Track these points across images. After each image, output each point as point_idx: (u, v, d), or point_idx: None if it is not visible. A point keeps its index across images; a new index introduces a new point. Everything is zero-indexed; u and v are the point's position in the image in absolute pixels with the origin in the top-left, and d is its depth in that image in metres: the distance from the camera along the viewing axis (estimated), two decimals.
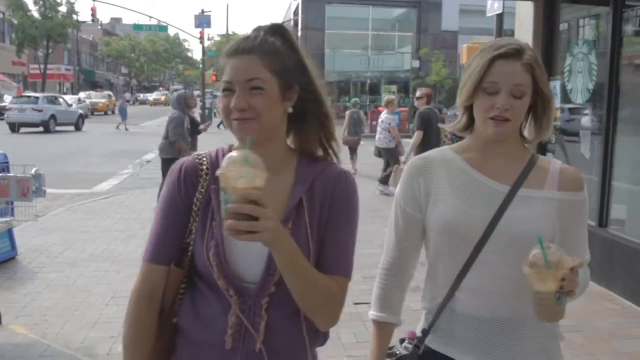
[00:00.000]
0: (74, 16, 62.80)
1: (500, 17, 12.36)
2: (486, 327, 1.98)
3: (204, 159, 1.88)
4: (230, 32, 65.10)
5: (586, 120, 7.54)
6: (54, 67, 66.48)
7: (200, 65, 41.94)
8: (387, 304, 2.15)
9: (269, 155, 1.74)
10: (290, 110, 1.82)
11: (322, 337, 1.92)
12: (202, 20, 41.18)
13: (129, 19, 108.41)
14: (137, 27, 52.32)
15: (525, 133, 2.06)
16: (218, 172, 1.56)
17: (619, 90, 6.67)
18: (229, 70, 1.76)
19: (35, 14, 61.55)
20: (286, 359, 1.83)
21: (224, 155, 1.86)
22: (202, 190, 1.83)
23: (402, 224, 2.11)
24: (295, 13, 47.43)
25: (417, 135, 10.33)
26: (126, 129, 33.69)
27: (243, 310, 1.77)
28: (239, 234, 1.52)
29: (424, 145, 9.82)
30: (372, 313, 2.17)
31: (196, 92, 48.20)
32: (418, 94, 11.33)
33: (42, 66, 62.34)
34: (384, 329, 2.15)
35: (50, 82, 64.87)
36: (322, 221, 1.83)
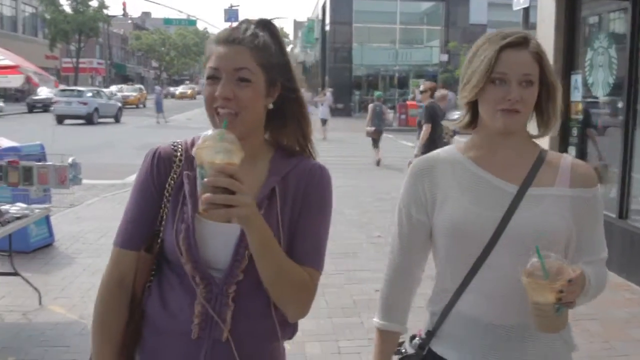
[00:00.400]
0: (105, 11, 63.64)
1: (526, 10, 12.41)
2: (494, 333, 1.90)
3: (179, 146, 1.88)
4: None
5: (607, 113, 7.64)
6: (86, 61, 67.46)
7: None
8: (392, 312, 2.09)
9: (246, 148, 1.70)
10: (271, 106, 1.82)
11: (290, 330, 1.90)
12: (231, 14, 41.65)
13: (158, 13, 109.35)
14: (167, 21, 53.12)
15: (528, 127, 1.99)
16: (194, 150, 1.56)
17: (638, 83, 6.78)
18: (216, 57, 1.75)
19: (67, 9, 62.52)
20: (253, 349, 1.81)
21: None
22: (175, 176, 1.83)
23: (407, 228, 2.04)
24: (324, 7, 47.55)
25: (427, 129, 10.47)
26: (166, 122, 33.94)
27: (209, 299, 1.75)
28: (215, 207, 1.51)
29: (430, 138, 10.13)
30: (376, 321, 2.11)
31: None
32: (422, 87, 11.44)
33: (74, 60, 63.28)
34: (387, 337, 2.09)
35: (83, 75, 65.88)
36: (295, 213, 1.82)
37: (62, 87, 35.91)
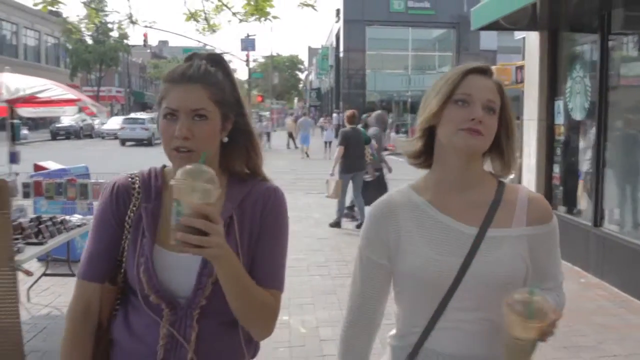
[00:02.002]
0: (125, 41, 65.31)
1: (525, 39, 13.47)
2: None
3: (136, 178, 1.92)
4: (274, 54, 66.83)
5: (584, 133, 8.61)
6: (106, 89, 69.09)
7: (246, 86, 43.69)
8: (353, 357, 2.04)
9: None
10: (225, 139, 1.88)
11: (254, 348, 1.97)
12: (248, 44, 42.74)
13: (176, 41, 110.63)
14: (186, 50, 54.31)
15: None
16: (172, 182, 1.58)
17: (608, 106, 7.76)
18: (174, 97, 1.78)
19: (88, 40, 64.25)
20: None
21: (156, 175, 1.93)
22: (134, 208, 1.86)
23: (368, 272, 1.98)
24: (337, 35, 48.68)
25: (339, 150, 11.45)
26: None
27: (174, 321, 1.79)
28: (187, 246, 1.55)
29: (345, 159, 11.26)
30: None
31: None
32: (346, 115, 12.48)
33: (95, 89, 64.88)
34: None
35: (102, 103, 67.37)
36: (253, 237, 1.87)
37: (125, 116, 42.85)
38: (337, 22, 47.69)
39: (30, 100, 6.45)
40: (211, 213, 1.56)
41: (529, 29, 9.38)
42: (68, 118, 39.30)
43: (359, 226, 10.92)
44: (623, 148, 7.90)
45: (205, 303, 1.80)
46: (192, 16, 6.49)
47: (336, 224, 11.36)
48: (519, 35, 13.77)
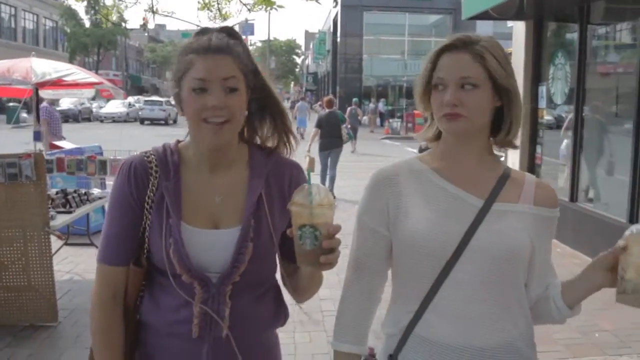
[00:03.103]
0: (123, 24, 65.51)
1: None
2: (459, 356, 1.75)
3: (152, 156, 1.85)
4: (272, 38, 67.16)
5: (563, 117, 9.25)
6: (103, 73, 69.04)
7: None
8: (351, 333, 1.92)
9: (226, 155, 1.85)
10: (246, 112, 1.83)
11: (283, 319, 1.97)
12: (246, 28, 43.08)
13: (172, 25, 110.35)
14: (185, 34, 54.72)
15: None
16: (298, 209, 1.62)
17: (585, 92, 8.40)
18: (203, 67, 1.72)
19: (87, 23, 64.56)
20: (252, 342, 1.86)
21: (172, 152, 1.87)
22: (154, 188, 1.81)
23: (367, 242, 1.90)
24: (335, 20, 49.06)
25: (314, 132, 13.08)
26: None
27: (206, 299, 1.77)
28: (327, 267, 1.63)
29: (321, 138, 12.83)
30: (333, 342, 1.95)
31: None
32: (321, 101, 14.89)
33: (92, 72, 65.02)
34: (345, 359, 1.92)
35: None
36: (281, 213, 1.84)
37: (146, 98, 47.48)
38: (334, 7, 47.99)
39: (57, 83, 7.06)
40: (337, 231, 1.63)
41: (516, 18, 9.98)
42: (67, 101, 39.71)
43: None
44: (597, 131, 8.55)
45: (238, 279, 1.78)
46: (206, 6, 7.09)
47: None
48: (511, 23, 14.29)
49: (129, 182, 1.82)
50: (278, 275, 1.97)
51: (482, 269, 1.75)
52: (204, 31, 1.86)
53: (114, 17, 8.21)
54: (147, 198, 1.81)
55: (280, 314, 1.95)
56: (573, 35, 8.80)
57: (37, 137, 7.84)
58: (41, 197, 5.40)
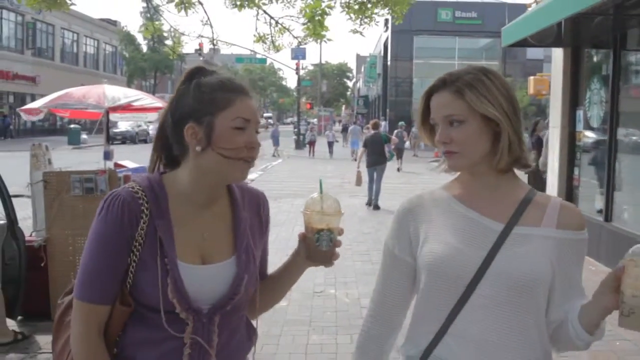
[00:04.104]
0: (180, 49, 67.20)
1: None
2: None
3: (140, 191, 1.80)
4: (323, 62, 68.22)
5: (600, 139, 9.62)
6: (159, 96, 70.54)
7: (294, 94, 44.87)
8: (370, 354, 2.00)
9: (220, 190, 1.94)
10: None
11: (254, 339, 2.05)
12: (298, 53, 43.77)
13: (226, 49, 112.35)
14: (239, 59, 55.96)
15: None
16: (311, 214, 1.88)
17: (619, 116, 8.81)
18: (246, 108, 1.80)
19: (144, 48, 66.62)
20: None
21: (159, 186, 1.84)
22: (144, 225, 1.76)
23: (391, 268, 1.97)
24: (385, 44, 49.69)
25: (360, 151, 15.81)
26: (278, 155, 35.18)
27: (197, 328, 1.78)
28: (331, 262, 1.93)
29: (367, 156, 14.75)
30: None
31: (289, 120, 49.50)
32: (369, 124, 16.36)
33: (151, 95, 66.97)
34: None
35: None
36: (256, 235, 1.98)
37: None
38: (385, 31, 48.69)
39: (127, 107, 7.80)
40: (342, 233, 1.93)
41: (554, 45, 10.42)
42: (125, 124, 41.16)
43: (368, 203, 14.58)
44: (631, 153, 8.93)
45: (229, 308, 1.83)
46: (261, 39, 7.77)
47: (369, 203, 14.59)
48: (530, 56, 14.69)
49: (121, 219, 1.75)
50: None
51: (501, 293, 1.76)
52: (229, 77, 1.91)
53: (180, 50, 8.93)
54: (137, 236, 1.76)
55: (252, 337, 2.04)
56: (607, 62, 9.19)
57: (107, 156, 8.57)
58: None
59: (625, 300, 1.60)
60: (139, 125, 45.19)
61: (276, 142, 36.40)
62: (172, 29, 8.19)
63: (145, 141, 46.31)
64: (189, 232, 1.83)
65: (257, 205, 2.02)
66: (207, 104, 1.79)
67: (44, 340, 5.74)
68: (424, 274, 1.87)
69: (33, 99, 47.98)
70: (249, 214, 1.96)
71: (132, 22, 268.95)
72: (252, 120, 1.81)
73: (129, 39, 63.90)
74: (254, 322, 2.06)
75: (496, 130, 1.81)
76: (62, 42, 53.47)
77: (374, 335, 2.00)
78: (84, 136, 41.17)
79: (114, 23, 62.62)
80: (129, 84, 61.34)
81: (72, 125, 41.32)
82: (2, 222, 6.07)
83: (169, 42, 10.95)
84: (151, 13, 10.25)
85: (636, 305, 1.58)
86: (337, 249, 1.93)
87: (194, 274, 1.79)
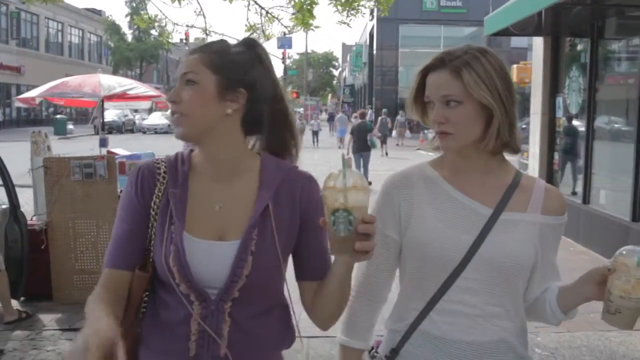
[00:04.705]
0: (160, 38, 66.96)
1: None
2: (462, 350, 1.84)
3: (162, 163, 1.81)
4: (309, 51, 68.29)
5: (578, 125, 9.98)
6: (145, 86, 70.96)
7: (280, 83, 44.87)
8: (356, 328, 2.00)
9: (229, 161, 1.78)
10: (229, 111, 1.74)
11: (289, 339, 1.89)
12: (284, 42, 43.82)
13: (211, 38, 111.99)
14: None
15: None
16: (329, 193, 1.51)
17: (596, 103, 9.17)
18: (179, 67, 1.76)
19: (129, 38, 66.47)
20: None
21: (183, 160, 1.83)
22: (159, 194, 1.77)
23: (378, 245, 1.75)
24: (371, 33, 49.82)
25: (347, 138, 17.23)
26: None
27: (205, 315, 1.71)
28: (362, 255, 1.52)
29: (354, 143, 16.25)
30: (340, 337, 2.03)
31: None
32: (356, 113, 18.03)
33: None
34: (351, 354, 2.01)
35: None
36: (292, 228, 1.79)
37: None
38: (371, 20, 48.81)
39: (122, 96, 8.05)
40: (373, 220, 1.52)
41: (534, 34, 10.73)
42: (111, 113, 41.16)
43: None
44: (608, 138, 9.31)
45: (238, 295, 1.71)
46: (252, 28, 8.04)
47: None
48: (514, 44, 15.05)
49: (135, 187, 1.79)
50: (287, 293, 1.88)
51: (487, 276, 1.81)
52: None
53: (172, 38, 9.14)
54: (152, 204, 1.77)
55: (287, 336, 1.88)
56: (585, 50, 9.53)
57: (103, 143, 8.82)
58: (112, 192, 6.34)
59: (613, 300, 1.67)
60: (126, 115, 45.21)
61: None
62: (165, 19, 8.40)
63: (132, 131, 46.35)
64: (205, 205, 1.78)
65: (295, 190, 1.82)
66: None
67: (47, 319, 6.03)
68: (411, 255, 1.90)
69: (18, 89, 47.93)
70: (284, 198, 1.80)
71: (117, 12, 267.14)
72: (177, 77, 1.76)
73: (114, 28, 63.76)
74: (293, 322, 1.90)
75: (490, 113, 1.80)
76: (46, 32, 53.23)
77: (361, 311, 2.00)
78: (70, 126, 41.18)
79: (98, 13, 62.37)
80: (114, 74, 61.07)
81: (58, 116, 41.32)
82: (4, 206, 6.33)
83: (154, 32, 11.14)
84: (136, 2, 10.38)
85: (622, 305, 1.65)
86: (374, 241, 1.54)
87: (198, 247, 1.71)
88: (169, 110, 1.74)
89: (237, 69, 1.76)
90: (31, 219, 6.70)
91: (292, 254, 1.83)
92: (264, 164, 1.83)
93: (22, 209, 6.50)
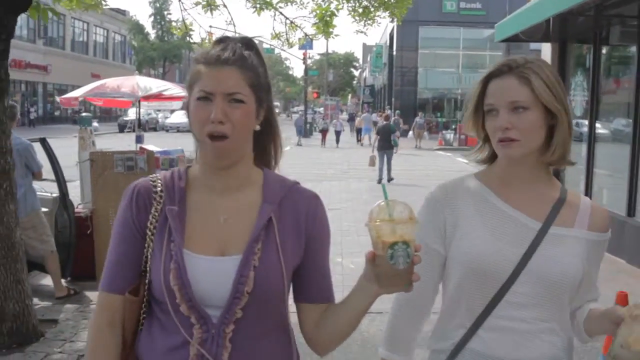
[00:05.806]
0: (188, 38, 67.77)
1: None
2: None
3: (158, 180, 1.75)
4: (330, 52, 68.77)
5: (583, 127, 10.56)
6: None
7: (301, 83, 45.57)
8: (398, 343, 2.00)
9: (238, 174, 1.73)
10: (257, 127, 1.74)
11: (296, 356, 1.84)
12: (305, 43, 44.20)
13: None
14: None
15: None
16: (399, 229, 1.49)
17: (599, 105, 9.77)
18: (209, 80, 1.63)
19: (153, 37, 67.46)
20: None
21: (180, 176, 1.77)
22: (156, 213, 1.70)
23: (422, 257, 1.65)
24: (391, 34, 50.17)
25: (374, 138, 18.88)
26: (300, 144, 35.07)
27: (204, 340, 1.64)
28: (412, 287, 1.52)
29: (379, 142, 18.03)
30: (382, 351, 2.02)
31: (295, 108, 50.01)
32: (381, 115, 19.44)
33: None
34: None
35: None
36: (297, 244, 1.74)
37: None
38: (391, 21, 49.09)
39: (158, 96, 8.76)
40: (420, 248, 1.52)
41: (542, 40, 11.33)
42: (133, 111, 41.83)
43: (379, 181, 16.92)
44: (609, 139, 9.90)
45: (240, 316, 1.65)
46: (277, 36, 8.74)
47: (379, 181, 17.02)
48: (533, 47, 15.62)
49: (130, 206, 1.72)
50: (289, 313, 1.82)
51: (536, 291, 1.79)
52: (221, 40, 1.77)
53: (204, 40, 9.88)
54: (148, 224, 1.70)
55: (292, 351, 1.82)
56: (589, 56, 10.13)
57: (140, 140, 9.53)
58: None
59: (614, 347, 1.65)
60: (149, 114, 45.78)
61: (300, 132, 36.76)
62: (200, 27, 9.11)
63: (155, 129, 47.04)
64: (206, 219, 1.72)
65: (299, 208, 1.77)
66: (190, 80, 1.71)
67: (93, 296, 6.71)
68: (458, 269, 1.87)
69: (45, 87, 49.09)
70: (288, 214, 1.74)
71: (141, 12, 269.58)
72: (216, 92, 1.62)
73: (137, 28, 64.74)
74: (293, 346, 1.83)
75: (551, 123, 1.81)
76: (72, 32, 54.17)
77: (404, 325, 1.99)
78: (95, 124, 41.95)
79: (123, 12, 63.39)
80: (138, 73, 62.16)
81: (83, 114, 42.16)
82: (55, 194, 7.06)
83: (188, 38, 11.90)
84: (160, 3, 11.10)
85: (620, 355, 1.63)
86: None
87: (198, 263, 1.65)
88: (205, 129, 1.63)
89: (265, 87, 1.75)
90: (77, 207, 7.38)
91: (294, 274, 1.77)
92: (266, 178, 1.80)
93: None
